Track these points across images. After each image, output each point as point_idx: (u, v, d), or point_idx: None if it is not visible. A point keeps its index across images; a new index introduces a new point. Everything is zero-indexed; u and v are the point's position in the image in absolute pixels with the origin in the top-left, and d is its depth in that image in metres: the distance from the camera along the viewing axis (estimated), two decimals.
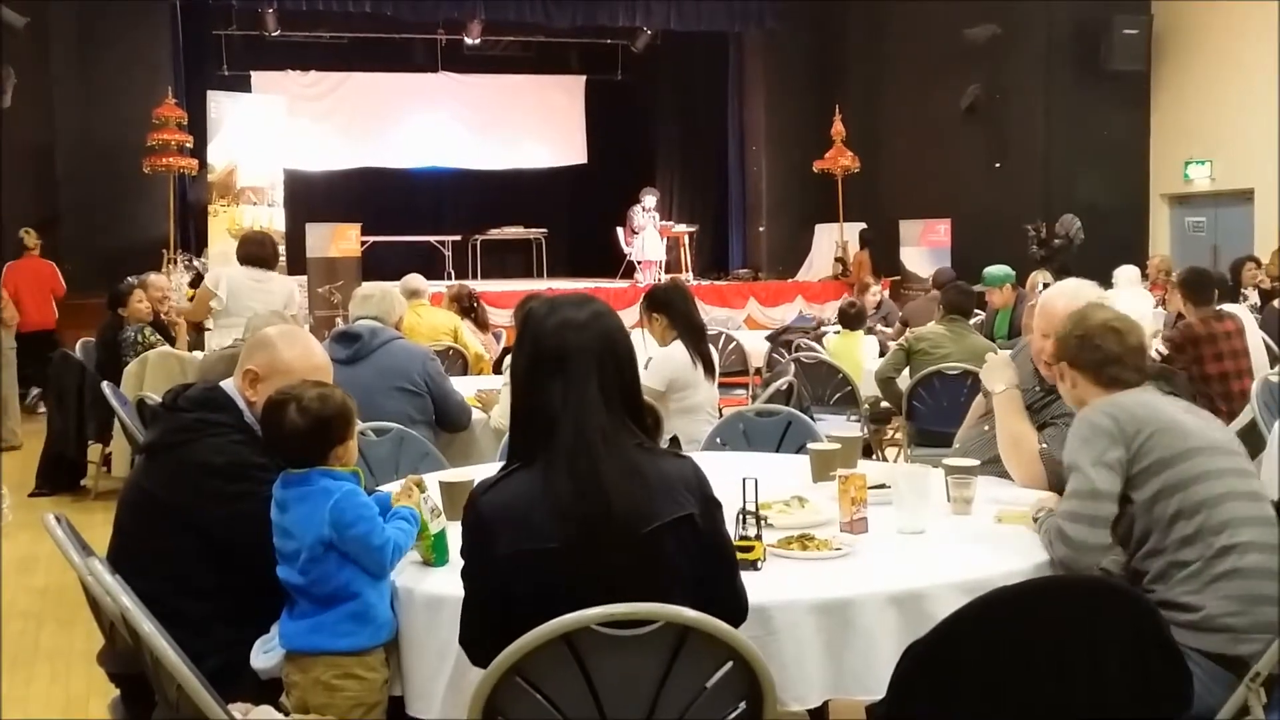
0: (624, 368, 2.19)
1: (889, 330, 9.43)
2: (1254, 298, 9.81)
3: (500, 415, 4.84)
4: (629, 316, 11.78)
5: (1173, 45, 14.19)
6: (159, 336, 7.77)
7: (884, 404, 6.74)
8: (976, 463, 3.15)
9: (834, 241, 15.92)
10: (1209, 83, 13.80)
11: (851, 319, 7.89)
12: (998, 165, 14.79)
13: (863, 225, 15.61)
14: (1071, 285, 3.71)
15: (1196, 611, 2.49)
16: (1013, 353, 3.92)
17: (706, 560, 2.17)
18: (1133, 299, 9.49)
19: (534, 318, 2.21)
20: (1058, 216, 13.43)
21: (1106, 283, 9.26)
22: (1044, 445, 3.36)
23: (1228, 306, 6.42)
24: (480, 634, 2.15)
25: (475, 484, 2.22)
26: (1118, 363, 2.86)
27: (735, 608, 2.20)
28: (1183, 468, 2.61)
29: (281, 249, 14.29)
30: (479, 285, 14.83)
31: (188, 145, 13.38)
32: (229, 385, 2.78)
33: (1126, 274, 10.00)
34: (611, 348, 2.18)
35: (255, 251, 7.00)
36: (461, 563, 2.20)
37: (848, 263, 15.33)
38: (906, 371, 6.30)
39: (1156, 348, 6.34)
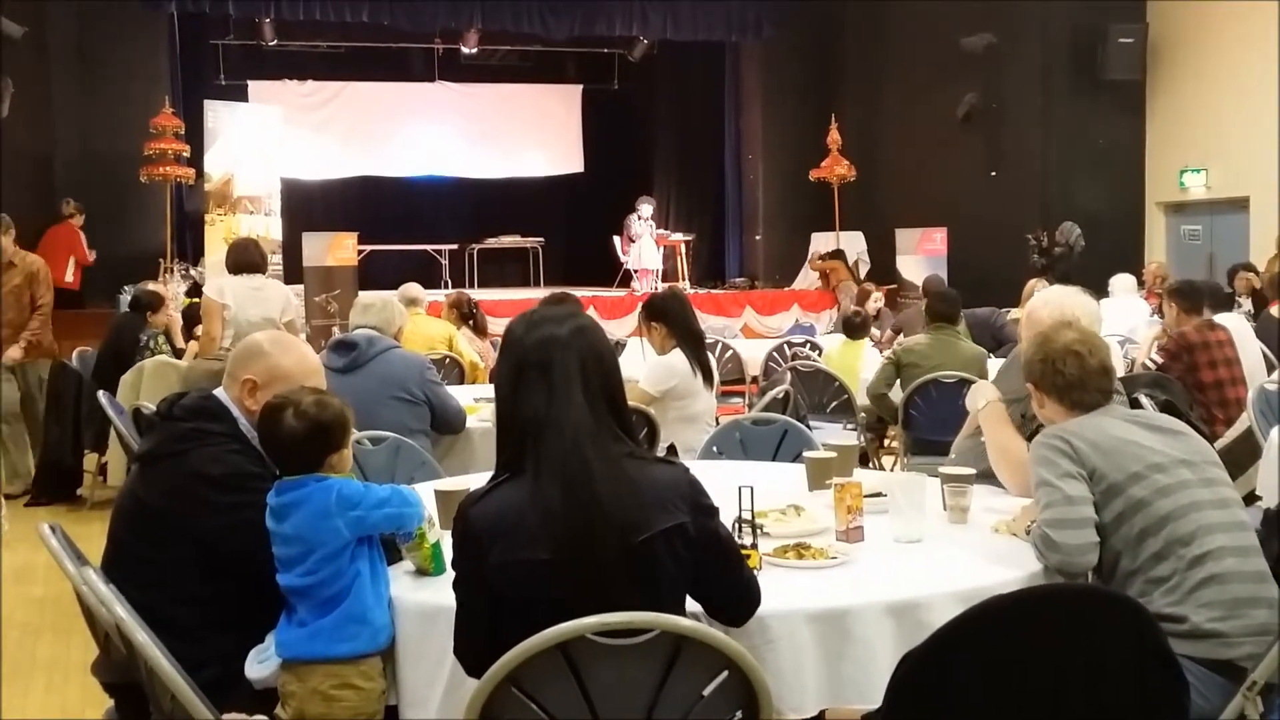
0: (607, 375, 2.20)
1: (881, 336, 9.46)
2: (1248, 304, 9.83)
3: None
4: (626, 325, 11.74)
5: (1168, 54, 14.22)
6: (169, 346, 7.90)
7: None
8: (973, 471, 3.15)
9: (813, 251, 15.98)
10: (1205, 91, 13.83)
11: (856, 328, 7.88)
12: (994, 174, 14.81)
13: (829, 234, 15.64)
14: (1057, 294, 3.72)
15: (1182, 622, 2.51)
16: (1006, 361, 3.94)
17: (702, 564, 2.17)
18: (1129, 307, 9.52)
19: (516, 325, 2.22)
20: (1054, 225, 13.46)
21: (1102, 291, 9.28)
22: None
23: (1221, 316, 6.44)
24: (474, 644, 2.15)
25: (465, 495, 2.22)
26: (1080, 387, 2.89)
27: (745, 600, 2.24)
28: (1139, 487, 2.65)
29: (278, 258, 14.33)
30: (476, 294, 14.79)
31: (185, 155, 13.38)
32: (223, 394, 2.78)
33: (1123, 282, 10.02)
34: (594, 356, 2.18)
35: (246, 258, 6.86)
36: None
37: (825, 270, 15.30)
38: (898, 384, 6.28)
39: (1151, 356, 6.36)
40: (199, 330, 7.32)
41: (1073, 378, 2.89)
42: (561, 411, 2.11)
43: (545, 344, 2.16)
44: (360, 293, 5.79)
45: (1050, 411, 2.96)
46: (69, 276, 12.47)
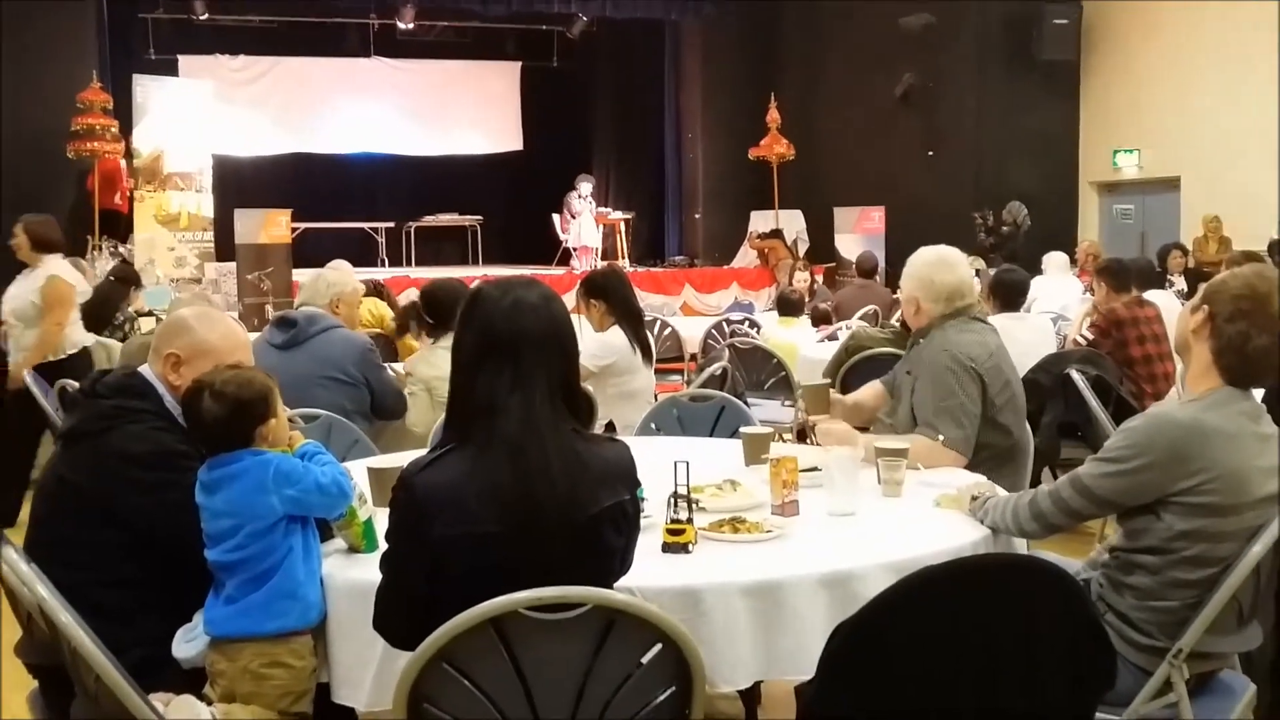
0: (569, 358, 2.20)
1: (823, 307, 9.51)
2: (1180, 283, 10.01)
3: (415, 422, 4.75)
4: (566, 303, 11.76)
5: (1102, 36, 14.41)
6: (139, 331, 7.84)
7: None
8: (907, 445, 3.16)
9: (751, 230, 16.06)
10: (1138, 72, 14.03)
11: (791, 306, 7.93)
12: (931, 153, 14.93)
13: (768, 213, 15.72)
14: (945, 249, 3.75)
15: (1152, 638, 2.49)
16: (900, 365, 3.97)
17: (631, 540, 2.20)
18: (1062, 285, 9.64)
19: (487, 299, 2.18)
20: (990, 204, 13.60)
21: (1036, 269, 9.40)
22: (941, 436, 3.40)
23: (1151, 294, 6.55)
24: (401, 616, 2.13)
25: (407, 463, 2.18)
26: (1259, 366, 2.43)
27: (623, 570, 2.23)
28: (1230, 519, 2.42)
29: (210, 235, 14.12)
30: (414, 272, 14.72)
31: (113, 130, 13.11)
32: (148, 371, 2.72)
33: (1055, 260, 10.14)
34: (560, 337, 2.18)
35: (59, 238, 7.04)
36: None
37: (764, 250, 15.36)
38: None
39: (1082, 332, 6.45)
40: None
41: (1258, 351, 2.41)
42: (524, 393, 2.09)
43: (517, 317, 2.14)
44: (319, 268, 5.66)
45: (1197, 357, 2.49)
46: (117, 199, 13.43)
